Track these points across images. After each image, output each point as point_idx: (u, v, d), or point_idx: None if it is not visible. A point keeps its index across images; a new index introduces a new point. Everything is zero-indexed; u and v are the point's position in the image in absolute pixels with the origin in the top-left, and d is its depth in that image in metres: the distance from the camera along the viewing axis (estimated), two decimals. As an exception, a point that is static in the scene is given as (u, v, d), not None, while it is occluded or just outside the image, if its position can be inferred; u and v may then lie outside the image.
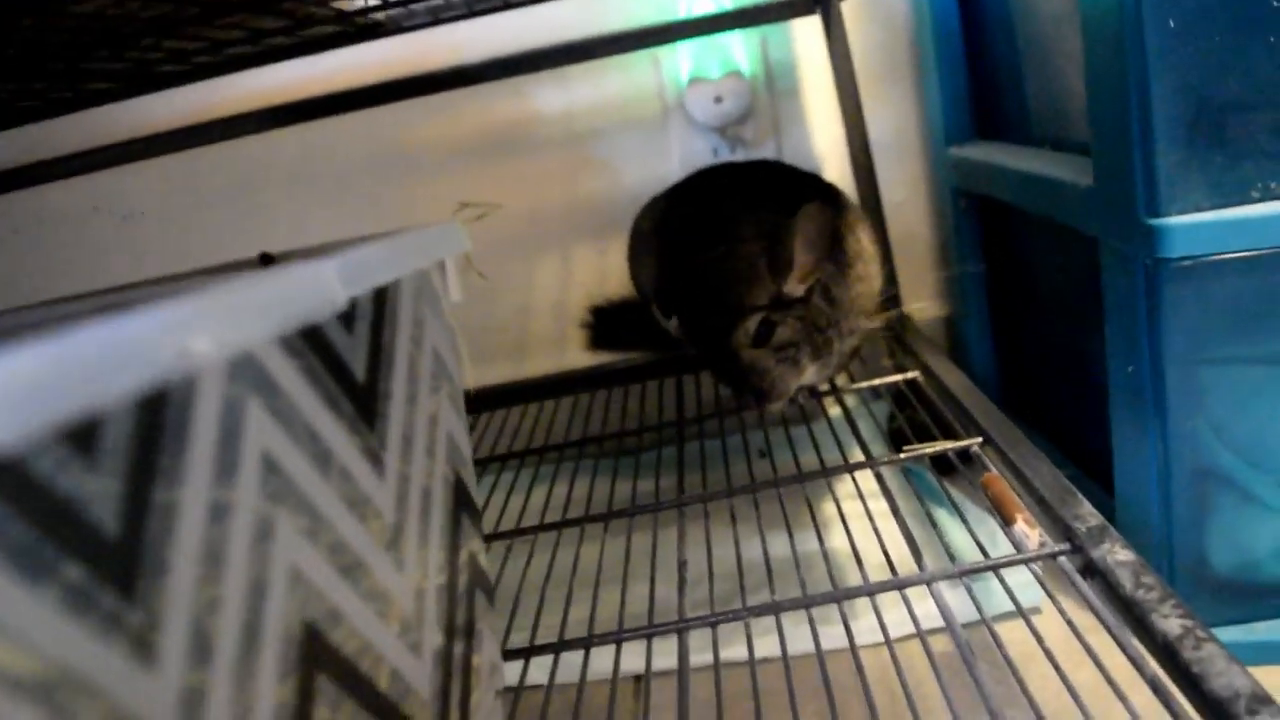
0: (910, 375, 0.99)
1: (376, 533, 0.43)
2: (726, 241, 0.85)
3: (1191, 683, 0.50)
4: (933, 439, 0.85)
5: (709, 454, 0.95)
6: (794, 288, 0.84)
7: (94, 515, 0.27)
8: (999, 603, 0.72)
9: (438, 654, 0.48)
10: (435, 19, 1.02)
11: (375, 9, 0.93)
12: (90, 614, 0.27)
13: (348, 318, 0.42)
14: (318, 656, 0.39)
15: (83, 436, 0.27)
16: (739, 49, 1.20)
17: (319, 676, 0.39)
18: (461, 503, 0.53)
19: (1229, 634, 0.79)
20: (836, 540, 0.74)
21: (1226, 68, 0.70)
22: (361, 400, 0.43)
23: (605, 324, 1.16)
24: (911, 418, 0.96)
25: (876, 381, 1.00)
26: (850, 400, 1.01)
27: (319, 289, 0.38)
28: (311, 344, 0.39)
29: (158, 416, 0.30)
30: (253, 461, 0.35)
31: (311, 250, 0.52)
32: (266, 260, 0.52)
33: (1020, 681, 0.55)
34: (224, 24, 0.86)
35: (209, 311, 0.30)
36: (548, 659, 0.68)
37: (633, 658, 0.69)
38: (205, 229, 1.26)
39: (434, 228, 0.52)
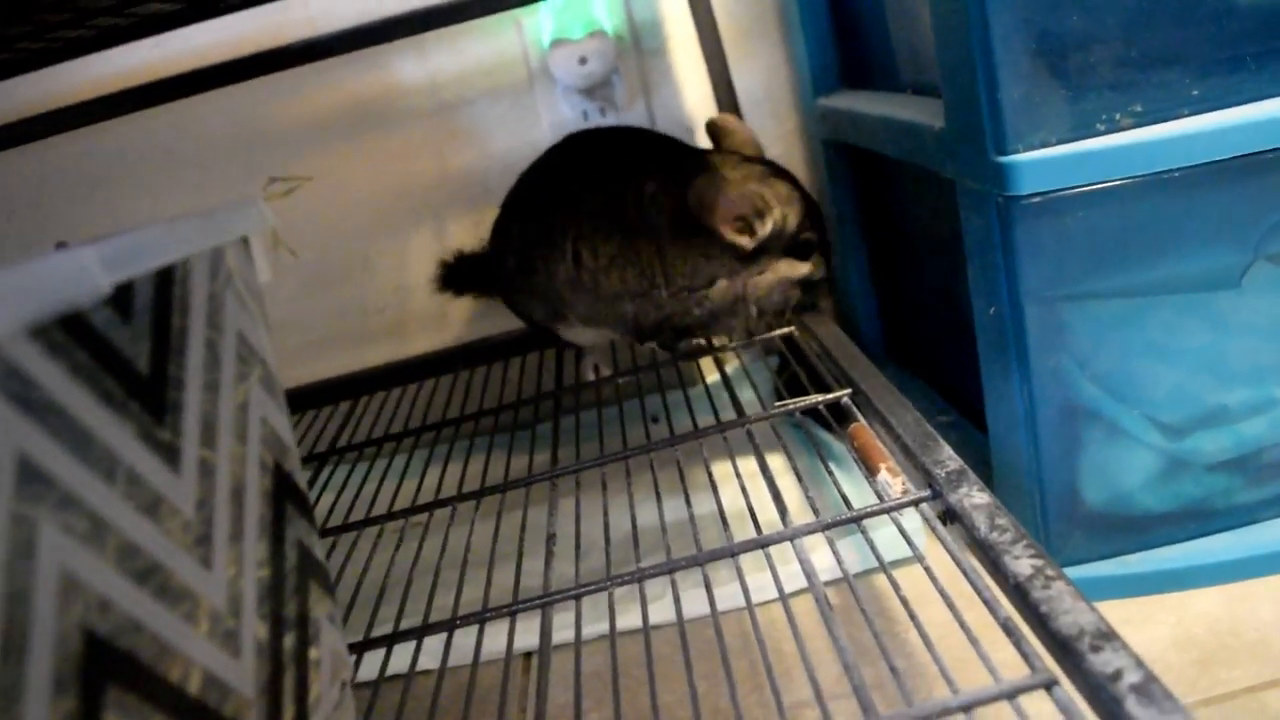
0: (787, 331, 0.98)
1: (175, 531, 0.41)
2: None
3: (1040, 621, 0.50)
4: (807, 394, 0.84)
5: (584, 424, 0.93)
6: None
7: None
8: (872, 556, 0.72)
9: (262, 650, 0.46)
10: (277, -10, 0.99)
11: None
12: None
13: (122, 305, 0.39)
14: (105, 667, 0.36)
15: None
16: (601, 8, 1.17)
17: (110, 689, 0.36)
18: (285, 491, 0.51)
19: (1104, 568, 0.80)
20: (706, 504, 0.73)
21: (1065, 0, 0.69)
22: (147, 391, 0.41)
23: (458, 271, 1.16)
24: (791, 374, 0.95)
25: (755, 339, 0.99)
26: (729, 361, 0.99)
27: (73, 275, 0.35)
28: (76, 336, 0.37)
29: None
30: (3, 464, 0.32)
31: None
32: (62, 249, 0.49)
33: (876, 635, 0.54)
34: (46, 6, 0.82)
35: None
36: (411, 645, 0.66)
37: (498, 638, 0.67)
38: (52, 226, 1.21)
39: (232, 205, 0.50)
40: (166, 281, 0.43)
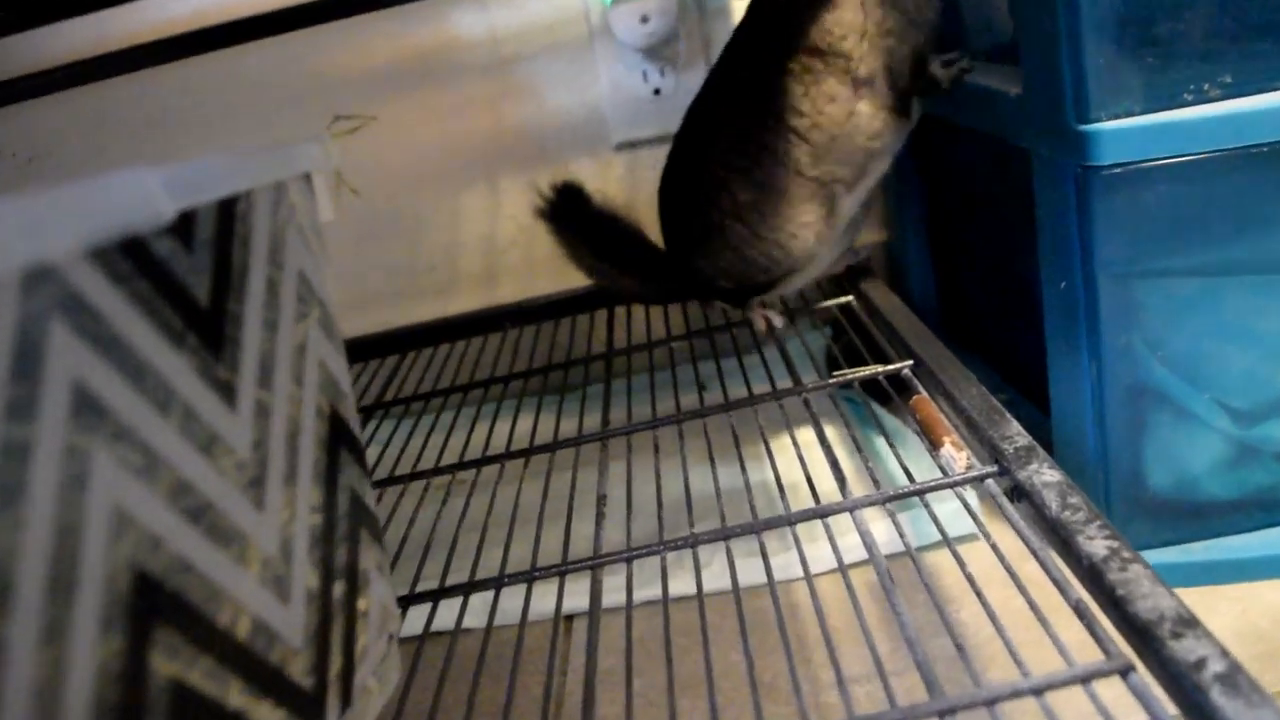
0: (844, 300, 0.96)
1: (229, 470, 0.40)
2: None
3: (1116, 605, 0.48)
4: (866, 364, 0.82)
5: (636, 389, 0.91)
6: None
7: None
8: (932, 530, 0.70)
9: (311, 598, 0.45)
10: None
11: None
12: None
13: (184, 234, 0.38)
14: (154, 606, 0.35)
15: None
16: (665, -34, 1.15)
17: (157, 629, 0.35)
18: (340, 437, 0.50)
19: (1167, 555, 0.77)
20: (761, 472, 0.71)
21: (1156, -36, 0.67)
22: (207, 326, 0.39)
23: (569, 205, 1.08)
24: (848, 344, 0.93)
25: (814, 307, 0.97)
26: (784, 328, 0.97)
27: (137, 198, 0.34)
28: (137, 263, 0.35)
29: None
30: (58, 393, 0.31)
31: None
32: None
33: (940, 610, 0.53)
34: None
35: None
36: (457, 601, 0.65)
37: (546, 599, 0.66)
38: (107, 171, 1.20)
39: (297, 143, 0.48)
40: (229, 213, 0.41)
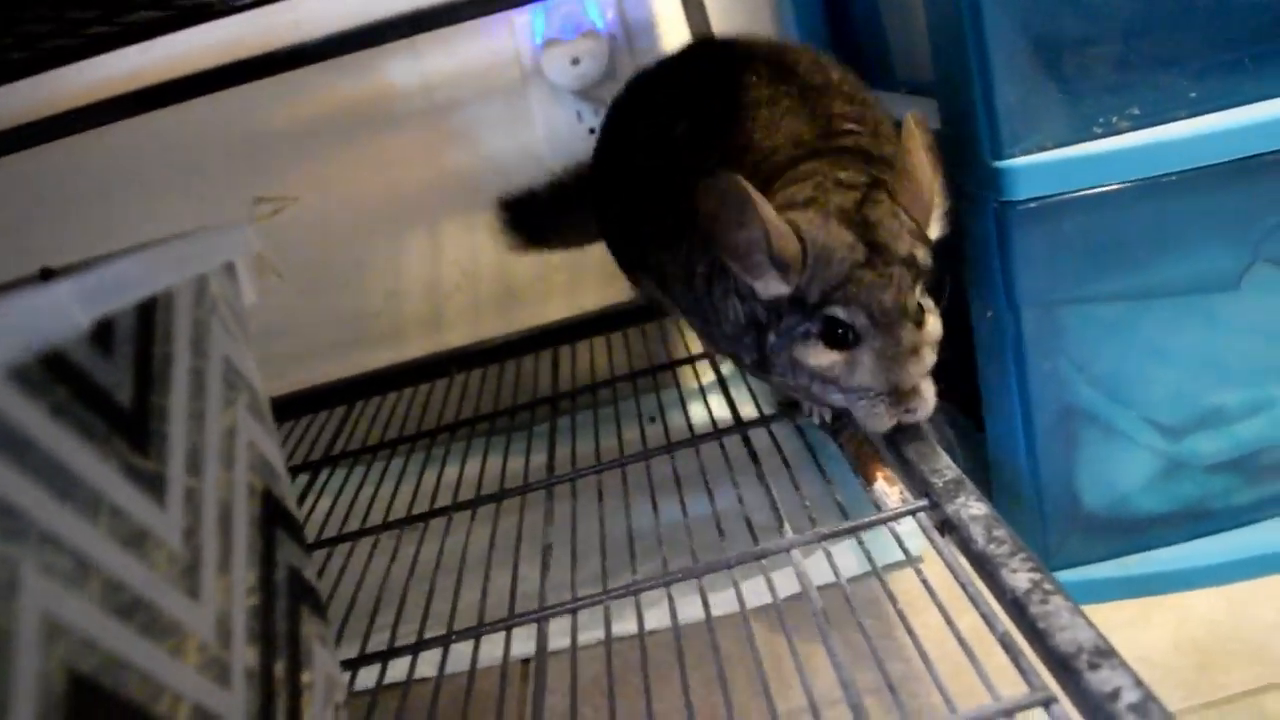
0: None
1: (161, 564, 0.41)
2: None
3: (1038, 637, 0.50)
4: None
5: (581, 425, 0.93)
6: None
7: None
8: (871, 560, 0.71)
9: (253, 678, 0.46)
10: (266, -5, 0.98)
11: (198, -11, 0.89)
12: None
13: (103, 340, 0.39)
14: (90, 707, 0.36)
15: None
16: (594, 7, 1.16)
17: (95, 727, 0.36)
18: (274, 516, 0.50)
19: (1104, 570, 0.80)
20: (703, 509, 0.72)
21: (1061, 2, 0.69)
22: (131, 424, 0.40)
23: (521, 213, 1.11)
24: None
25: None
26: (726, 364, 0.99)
27: (50, 313, 0.35)
28: (54, 373, 0.36)
29: None
30: (-21, 509, 0.32)
31: (106, 258, 0.49)
32: (46, 275, 0.49)
33: (871, 646, 0.54)
34: (32, 16, 0.81)
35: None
36: (406, 660, 0.66)
37: (496, 648, 0.67)
38: (35, 238, 1.20)
39: (216, 229, 0.49)
40: (149, 312, 0.42)
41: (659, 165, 0.80)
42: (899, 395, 0.64)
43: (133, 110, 1.10)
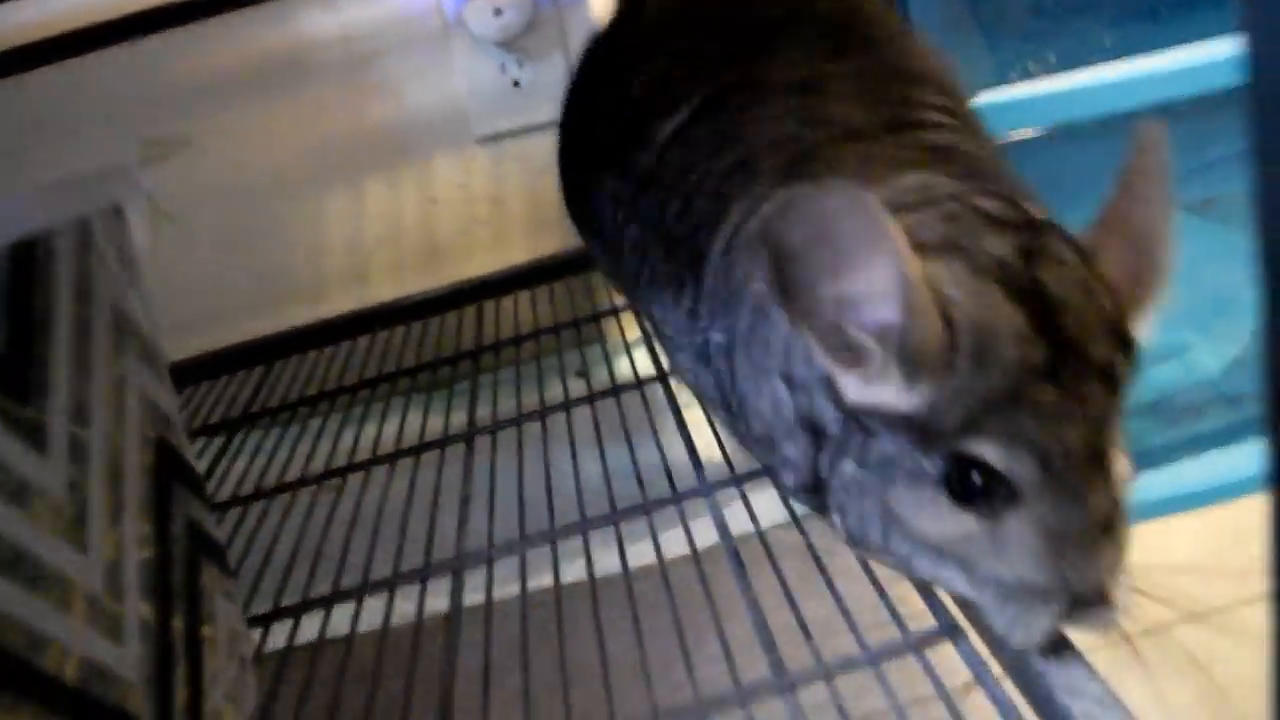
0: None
1: (44, 515, 0.39)
2: None
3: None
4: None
5: (503, 382, 0.92)
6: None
7: None
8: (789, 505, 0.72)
9: (148, 632, 0.45)
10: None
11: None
12: None
13: (-28, 284, 0.38)
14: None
15: None
16: (516, -44, 1.14)
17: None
18: (170, 467, 0.49)
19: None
20: (622, 461, 0.72)
21: (976, -55, 0.69)
22: (9, 374, 0.39)
23: None
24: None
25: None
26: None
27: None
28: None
29: None
30: None
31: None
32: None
33: (787, 590, 0.54)
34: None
35: None
36: (319, 615, 0.65)
37: (410, 603, 0.66)
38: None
39: (102, 173, 0.47)
40: (26, 256, 0.41)
41: (643, 162, 0.60)
42: (1077, 599, 0.40)
43: (43, 60, 1.07)
